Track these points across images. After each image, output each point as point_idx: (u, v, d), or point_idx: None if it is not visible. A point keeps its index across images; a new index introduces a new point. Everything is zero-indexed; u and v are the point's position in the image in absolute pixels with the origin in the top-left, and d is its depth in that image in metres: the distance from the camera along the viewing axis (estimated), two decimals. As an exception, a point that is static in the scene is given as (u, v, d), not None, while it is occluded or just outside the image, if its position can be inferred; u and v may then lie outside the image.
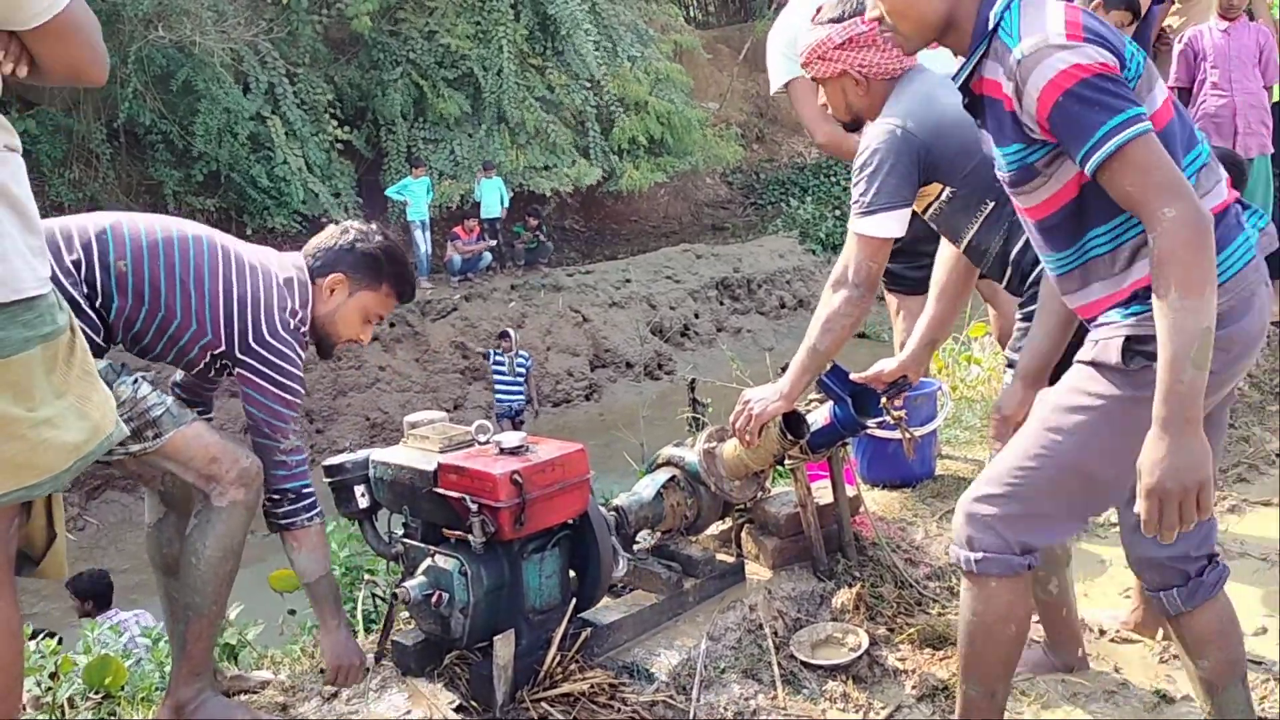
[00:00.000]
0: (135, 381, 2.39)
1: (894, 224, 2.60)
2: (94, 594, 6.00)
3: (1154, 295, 1.81)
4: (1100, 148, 1.81)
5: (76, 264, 2.34)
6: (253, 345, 2.45)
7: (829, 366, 3.04)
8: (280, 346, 2.47)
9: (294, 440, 2.51)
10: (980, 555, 2.09)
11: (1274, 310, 5.39)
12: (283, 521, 2.51)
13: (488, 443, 2.58)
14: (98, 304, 2.37)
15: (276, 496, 2.50)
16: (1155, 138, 1.82)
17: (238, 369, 2.47)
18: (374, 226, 2.75)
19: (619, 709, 2.49)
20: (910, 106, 2.61)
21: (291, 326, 2.52)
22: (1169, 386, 1.77)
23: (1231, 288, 1.91)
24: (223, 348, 2.46)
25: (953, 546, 2.17)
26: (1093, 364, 2.02)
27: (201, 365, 2.50)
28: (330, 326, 2.65)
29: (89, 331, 2.34)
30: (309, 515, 2.52)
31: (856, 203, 2.63)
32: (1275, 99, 5.15)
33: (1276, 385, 4.88)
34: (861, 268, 2.63)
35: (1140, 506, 1.83)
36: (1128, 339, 1.95)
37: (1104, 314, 2.02)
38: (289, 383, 2.48)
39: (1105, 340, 2.00)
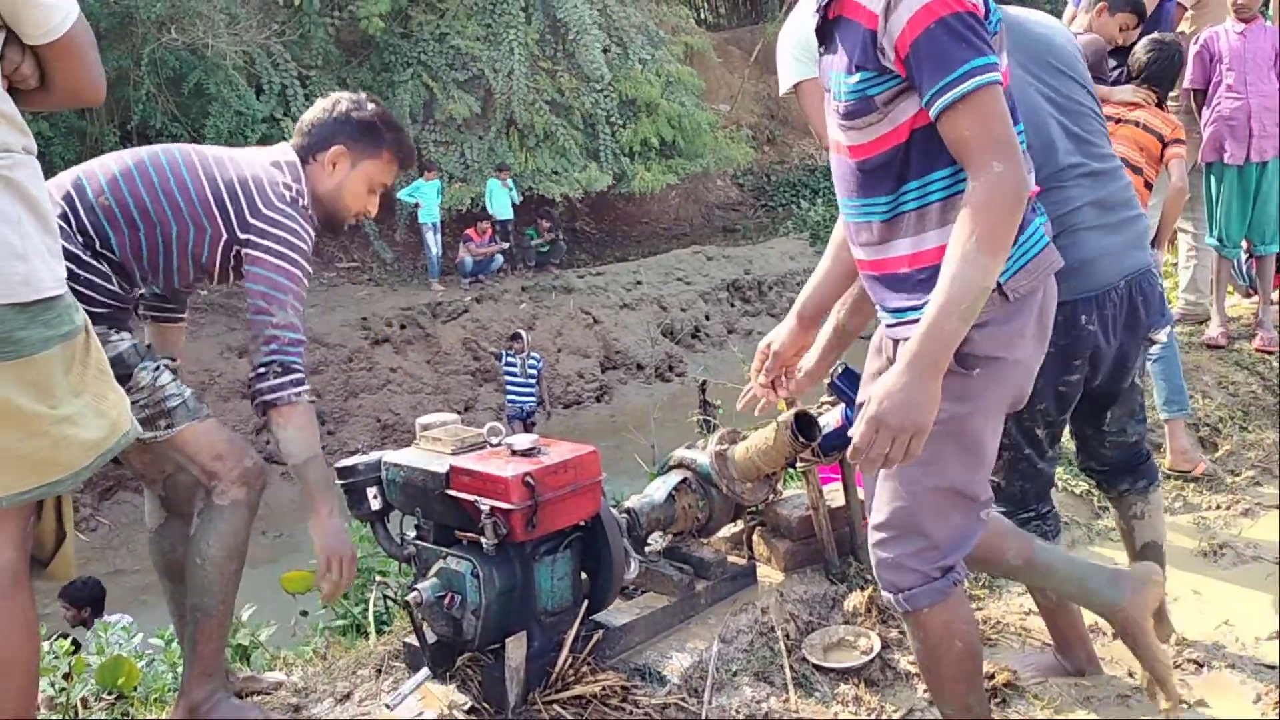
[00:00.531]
0: (157, 369, 2.41)
1: None
2: (90, 600, 6.00)
3: (951, 239, 1.82)
4: (957, 86, 1.79)
5: (64, 217, 2.36)
6: (251, 221, 2.45)
7: (842, 368, 3.04)
8: (279, 218, 2.46)
9: (290, 317, 2.44)
10: (907, 593, 2.07)
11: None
12: (267, 397, 2.41)
13: (500, 445, 2.59)
14: (98, 247, 2.39)
15: (262, 370, 2.42)
16: (1003, 93, 1.83)
17: (245, 251, 2.46)
18: (363, 95, 2.70)
19: (631, 711, 2.49)
20: None
21: (288, 199, 2.50)
22: (931, 328, 1.79)
23: (1033, 269, 1.95)
24: (225, 234, 2.46)
25: (882, 591, 2.15)
26: None
27: (222, 266, 2.51)
28: (337, 202, 2.62)
29: (107, 285, 2.39)
30: (296, 391, 2.42)
31: None
32: None
33: (1291, 388, 4.86)
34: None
35: (857, 430, 1.84)
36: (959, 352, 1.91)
37: (900, 294, 2.03)
38: (290, 253, 2.45)
39: None
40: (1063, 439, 2.76)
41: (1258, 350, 5.03)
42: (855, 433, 1.85)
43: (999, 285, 1.90)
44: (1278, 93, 4.85)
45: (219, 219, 2.44)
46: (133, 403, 2.31)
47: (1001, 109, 1.81)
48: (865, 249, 2.09)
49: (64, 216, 2.35)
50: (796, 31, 3.31)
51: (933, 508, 2.04)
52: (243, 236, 2.45)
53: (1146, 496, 2.82)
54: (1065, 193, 2.49)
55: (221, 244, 2.47)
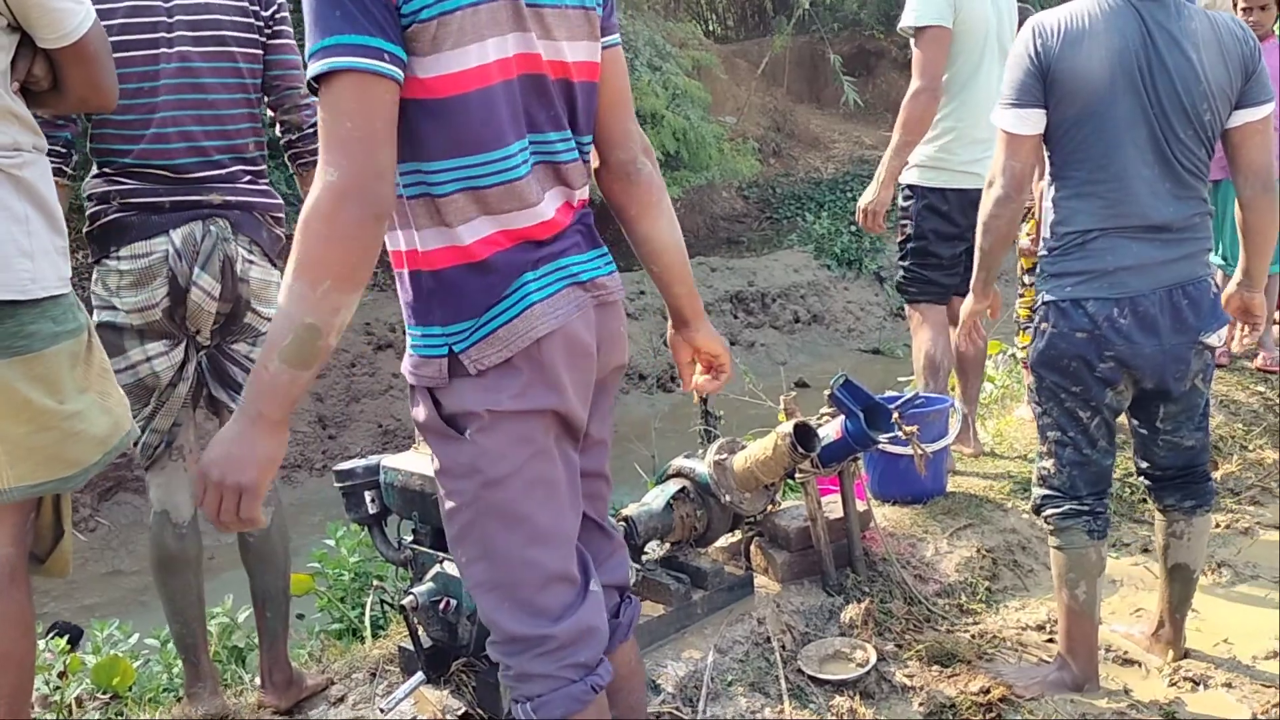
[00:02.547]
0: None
1: (1013, 120, 2.55)
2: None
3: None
4: (313, 62, 1.47)
5: None
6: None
7: (842, 380, 3.04)
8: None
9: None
10: (537, 701, 1.71)
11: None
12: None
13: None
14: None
15: (310, 131, 2.64)
16: (385, 86, 1.47)
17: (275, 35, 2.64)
18: None
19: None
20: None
21: None
22: (254, 373, 1.49)
23: (503, 339, 1.60)
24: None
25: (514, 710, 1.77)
26: (427, 428, 1.69)
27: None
28: None
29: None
30: None
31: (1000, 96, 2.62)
32: None
33: (1292, 409, 4.85)
34: (1005, 166, 2.59)
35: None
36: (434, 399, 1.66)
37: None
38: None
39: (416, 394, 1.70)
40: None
41: (1259, 369, 5.03)
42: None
43: (453, 353, 1.61)
44: None
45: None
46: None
47: (361, 105, 1.45)
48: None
49: None
50: None
51: (518, 600, 1.68)
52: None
53: (1191, 519, 2.79)
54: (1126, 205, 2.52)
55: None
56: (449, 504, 1.70)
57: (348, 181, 1.45)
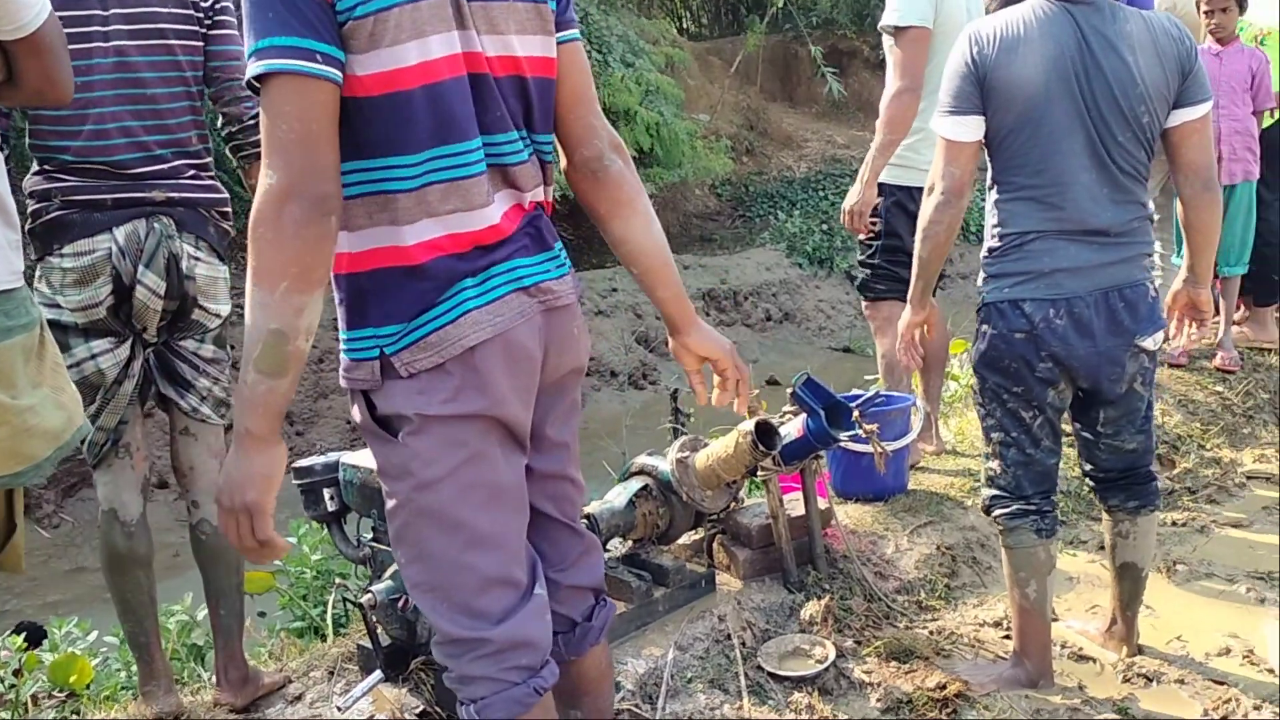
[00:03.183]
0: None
1: (952, 127, 2.57)
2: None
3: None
4: (252, 63, 1.47)
5: None
6: None
7: (804, 378, 3.06)
8: None
9: None
10: (481, 704, 1.71)
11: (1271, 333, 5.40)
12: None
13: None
14: None
15: (252, 123, 2.61)
16: (321, 87, 1.46)
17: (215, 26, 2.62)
18: None
19: (583, 716, 2.50)
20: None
21: None
22: (237, 389, 1.52)
23: (434, 344, 1.58)
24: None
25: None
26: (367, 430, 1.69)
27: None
28: None
29: None
30: None
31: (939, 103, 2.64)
32: (1266, 124, 5.18)
33: (1249, 408, 4.91)
34: (945, 173, 2.61)
35: None
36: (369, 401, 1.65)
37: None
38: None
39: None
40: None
41: (1217, 369, 5.09)
42: None
43: (384, 355, 1.59)
44: (1250, 116, 4.89)
45: None
46: (215, 381, 2.65)
47: (293, 106, 1.45)
48: None
49: None
50: None
51: (455, 602, 1.67)
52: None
53: (1136, 518, 2.83)
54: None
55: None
56: (388, 504, 1.69)
57: (288, 182, 1.45)
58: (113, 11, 2.48)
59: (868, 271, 3.98)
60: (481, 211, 1.62)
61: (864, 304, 4.11)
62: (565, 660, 1.90)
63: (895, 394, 3.77)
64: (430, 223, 1.59)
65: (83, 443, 2.16)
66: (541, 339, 1.71)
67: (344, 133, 1.53)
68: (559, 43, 1.74)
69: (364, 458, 2.62)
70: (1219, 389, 4.95)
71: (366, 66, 1.51)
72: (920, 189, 3.78)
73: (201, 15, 2.61)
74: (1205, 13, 4.83)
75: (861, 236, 3.96)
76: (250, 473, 1.51)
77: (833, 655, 2.80)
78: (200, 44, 2.62)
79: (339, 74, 1.49)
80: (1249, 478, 4.28)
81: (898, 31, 3.71)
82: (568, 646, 1.91)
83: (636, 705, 2.58)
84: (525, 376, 1.69)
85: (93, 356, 2.51)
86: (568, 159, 1.84)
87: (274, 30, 1.45)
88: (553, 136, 1.78)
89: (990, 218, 2.65)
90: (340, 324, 1.66)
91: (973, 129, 2.56)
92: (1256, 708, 2.71)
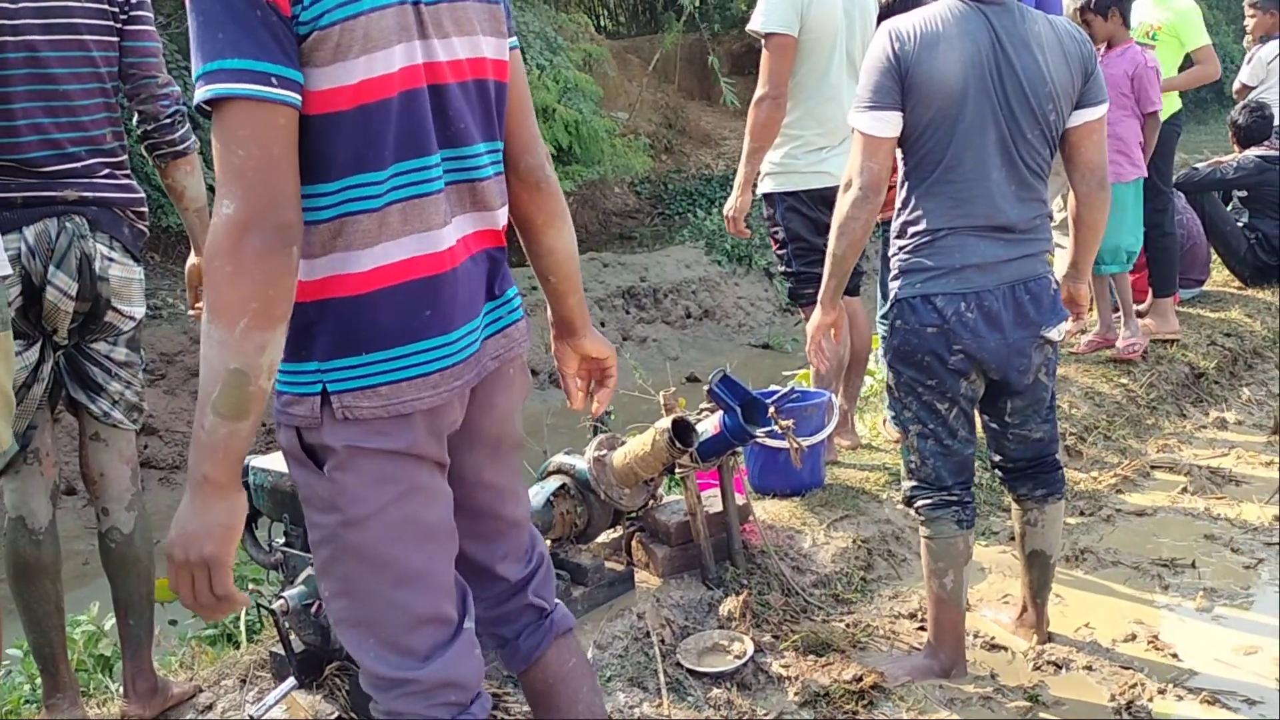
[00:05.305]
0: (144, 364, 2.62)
1: (871, 122, 2.58)
2: None
3: None
4: (199, 88, 1.39)
5: None
6: None
7: (720, 375, 3.07)
8: None
9: (167, 76, 2.64)
10: None
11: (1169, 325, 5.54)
12: (181, 146, 2.62)
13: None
14: None
15: (168, 122, 2.60)
16: (278, 111, 1.39)
17: (130, 22, 2.57)
18: None
19: (501, 718, 2.48)
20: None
21: None
22: (194, 433, 1.41)
23: (385, 395, 1.54)
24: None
25: None
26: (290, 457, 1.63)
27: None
28: None
29: None
30: (194, 139, 2.65)
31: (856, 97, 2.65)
32: (1168, 115, 5.30)
33: (1152, 399, 5.06)
34: (862, 168, 2.61)
35: None
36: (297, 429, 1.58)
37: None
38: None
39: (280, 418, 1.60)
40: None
41: (1119, 360, 5.18)
42: None
43: (326, 391, 1.53)
44: (1130, 119, 4.94)
45: None
46: (127, 384, 2.59)
47: (250, 131, 1.37)
48: None
49: None
50: None
51: (383, 639, 1.63)
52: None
53: (1044, 506, 2.89)
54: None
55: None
56: (312, 535, 1.63)
57: (246, 213, 1.37)
58: (21, 5, 2.39)
59: (791, 281, 4.00)
60: (439, 233, 1.56)
61: (802, 311, 4.13)
62: (524, 668, 1.89)
63: (810, 390, 3.81)
64: (388, 246, 1.52)
65: None
66: (477, 396, 1.70)
67: (304, 155, 1.45)
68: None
69: (274, 461, 2.57)
70: (1124, 381, 5.08)
71: (334, 79, 1.44)
72: (806, 191, 3.84)
73: (117, 10, 2.53)
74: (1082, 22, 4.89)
75: (776, 249, 3.99)
76: (208, 523, 1.41)
77: (751, 650, 2.82)
78: (115, 39, 2.54)
79: (297, 97, 1.41)
80: (1153, 467, 4.41)
81: (764, 37, 3.72)
82: (512, 659, 1.90)
83: (556, 705, 2.56)
84: (448, 425, 1.66)
85: None
86: (510, 168, 1.77)
87: (224, 51, 1.36)
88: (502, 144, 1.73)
89: (900, 214, 2.69)
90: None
91: (892, 124, 2.59)
92: (1161, 691, 2.80)
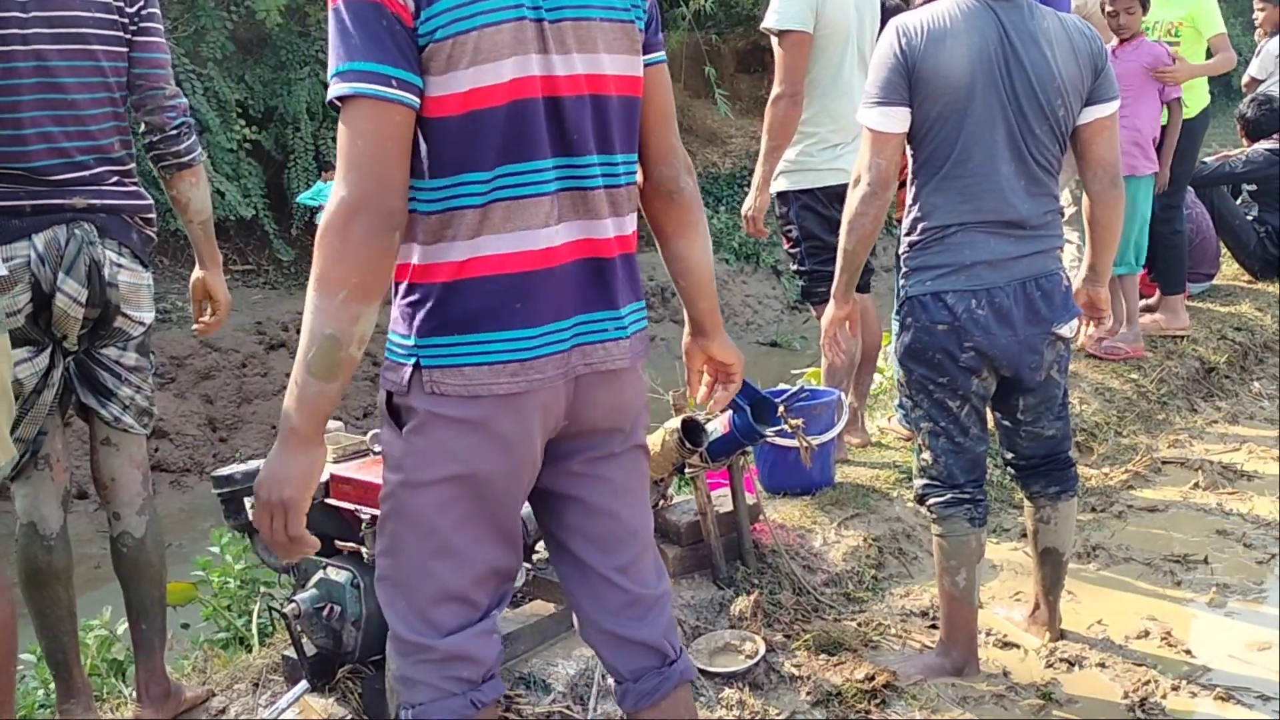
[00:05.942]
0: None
1: (879, 118, 2.58)
2: None
3: None
4: (332, 86, 1.55)
5: None
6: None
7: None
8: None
9: (174, 87, 2.64)
10: (417, 709, 1.75)
11: (1180, 321, 5.52)
12: (186, 157, 2.61)
13: (381, 453, 2.55)
14: None
15: (174, 133, 2.60)
16: (395, 110, 1.53)
17: (140, 33, 2.57)
18: None
19: (512, 719, 2.48)
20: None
21: None
22: (288, 388, 1.57)
23: (470, 375, 1.63)
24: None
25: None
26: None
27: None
28: None
29: None
30: (200, 150, 2.67)
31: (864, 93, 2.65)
32: (1197, 113, 5.28)
33: (1163, 394, 5.04)
34: (870, 164, 2.61)
35: None
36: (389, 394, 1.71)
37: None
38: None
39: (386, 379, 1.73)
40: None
41: (1095, 353, 5.14)
42: None
43: (419, 364, 1.64)
44: (1140, 114, 4.92)
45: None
46: (137, 389, 2.59)
47: (364, 127, 1.52)
48: None
49: None
50: None
51: (411, 604, 1.72)
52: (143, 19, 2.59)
53: (1056, 504, 2.88)
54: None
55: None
56: (381, 492, 1.74)
57: (358, 197, 1.52)
58: (32, 15, 2.40)
59: (804, 280, 3.99)
60: (540, 232, 1.64)
61: (813, 310, 4.12)
62: (633, 710, 1.88)
63: (820, 388, 3.80)
64: (488, 239, 1.62)
65: None
66: (569, 403, 1.73)
67: (419, 152, 1.60)
68: (647, 64, 1.77)
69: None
70: (1134, 376, 5.07)
71: (445, 87, 1.57)
72: (822, 189, 3.84)
73: (126, 20, 2.54)
74: (1109, 14, 4.89)
75: (789, 248, 3.99)
76: (291, 470, 1.56)
77: (762, 650, 2.81)
78: (124, 49, 2.55)
79: (414, 98, 1.55)
80: (1164, 463, 4.39)
81: (779, 35, 3.71)
82: (623, 699, 1.89)
83: (568, 707, 2.57)
84: (540, 417, 1.70)
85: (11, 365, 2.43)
86: (645, 177, 1.88)
87: (356, 55, 1.53)
88: (636, 156, 1.80)
89: (910, 211, 2.68)
90: (390, 324, 1.71)
91: (899, 120, 2.58)
92: (1174, 688, 2.79)
